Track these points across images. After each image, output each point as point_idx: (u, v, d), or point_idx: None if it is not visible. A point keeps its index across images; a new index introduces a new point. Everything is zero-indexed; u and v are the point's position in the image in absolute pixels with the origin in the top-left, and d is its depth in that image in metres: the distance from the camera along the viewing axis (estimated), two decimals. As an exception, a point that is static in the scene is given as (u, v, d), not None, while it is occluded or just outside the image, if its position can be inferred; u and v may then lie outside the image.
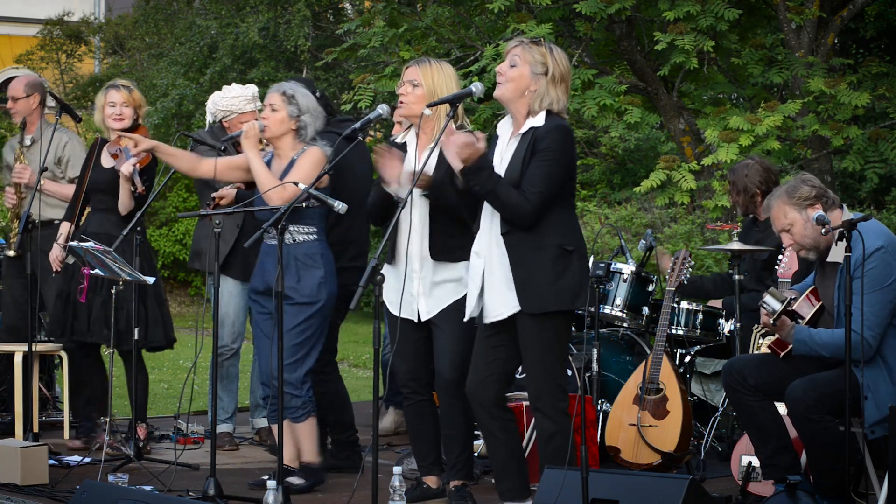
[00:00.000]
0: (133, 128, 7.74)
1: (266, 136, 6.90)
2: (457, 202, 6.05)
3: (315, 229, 6.84)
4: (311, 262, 6.80)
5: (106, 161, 7.83)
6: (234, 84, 8.25)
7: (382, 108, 6.34)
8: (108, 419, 7.36)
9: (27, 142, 8.43)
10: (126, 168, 7.52)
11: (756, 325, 6.65)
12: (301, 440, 6.92)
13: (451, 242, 6.23)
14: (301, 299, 6.76)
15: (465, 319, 6.03)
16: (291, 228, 6.77)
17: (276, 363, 6.30)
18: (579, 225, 6.01)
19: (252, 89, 8.14)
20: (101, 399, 7.97)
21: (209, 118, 8.09)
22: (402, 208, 5.83)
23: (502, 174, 5.80)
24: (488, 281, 5.88)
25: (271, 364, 6.57)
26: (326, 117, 7.38)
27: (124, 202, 7.68)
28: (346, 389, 7.57)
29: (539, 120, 5.82)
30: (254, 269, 7.07)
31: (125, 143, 7.41)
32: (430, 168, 6.19)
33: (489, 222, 5.89)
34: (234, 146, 7.61)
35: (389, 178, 6.22)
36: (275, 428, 6.69)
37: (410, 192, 5.91)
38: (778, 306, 5.82)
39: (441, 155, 6.09)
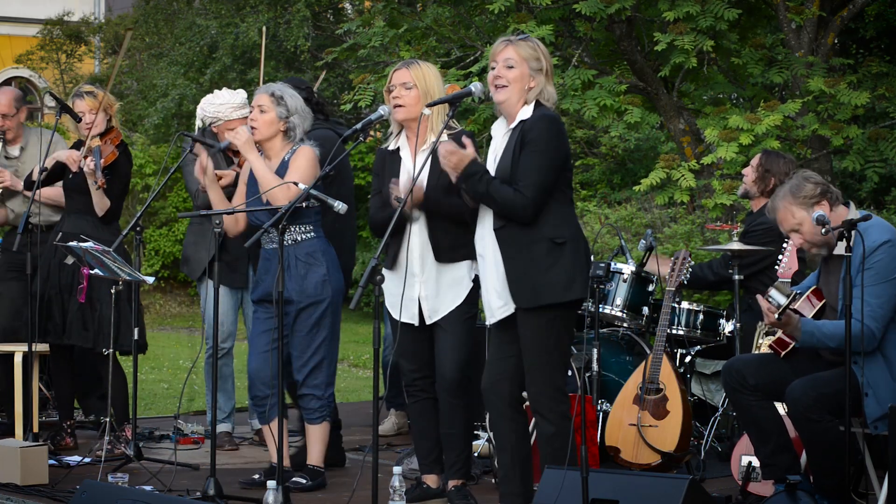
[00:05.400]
0: (107, 130, 7.76)
1: (255, 139, 6.85)
2: (452, 209, 6.04)
3: (312, 227, 6.83)
4: (313, 261, 6.79)
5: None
6: (224, 89, 8.15)
7: (383, 109, 6.33)
8: (107, 419, 7.36)
9: (15, 152, 8.41)
10: (87, 165, 7.55)
11: (761, 323, 6.62)
12: (312, 442, 6.93)
13: (452, 242, 6.22)
14: (307, 300, 6.75)
15: (488, 324, 5.98)
16: (291, 229, 6.77)
17: (273, 364, 6.38)
18: (575, 215, 5.97)
19: (241, 95, 8.05)
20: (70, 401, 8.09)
21: (198, 122, 8.03)
22: (401, 210, 5.83)
23: (495, 171, 5.78)
24: (487, 279, 5.88)
25: (271, 365, 6.57)
26: (317, 117, 7.37)
27: (97, 202, 7.67)
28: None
29: (527, 112, 5.79)
30: (252, 279, 7.02)
31: (95, 144, 7.59)
32: (426, 171, 6.19)
33: (485, 221, 5.87)
34: (225, 154, 7.61)
35: (392, 199, 6.18)
36: (267, 428, 6.70)
37: (409, 194, 5.90)
38: (783, 300, 5.79)
39: (436, 158, 6.10)
